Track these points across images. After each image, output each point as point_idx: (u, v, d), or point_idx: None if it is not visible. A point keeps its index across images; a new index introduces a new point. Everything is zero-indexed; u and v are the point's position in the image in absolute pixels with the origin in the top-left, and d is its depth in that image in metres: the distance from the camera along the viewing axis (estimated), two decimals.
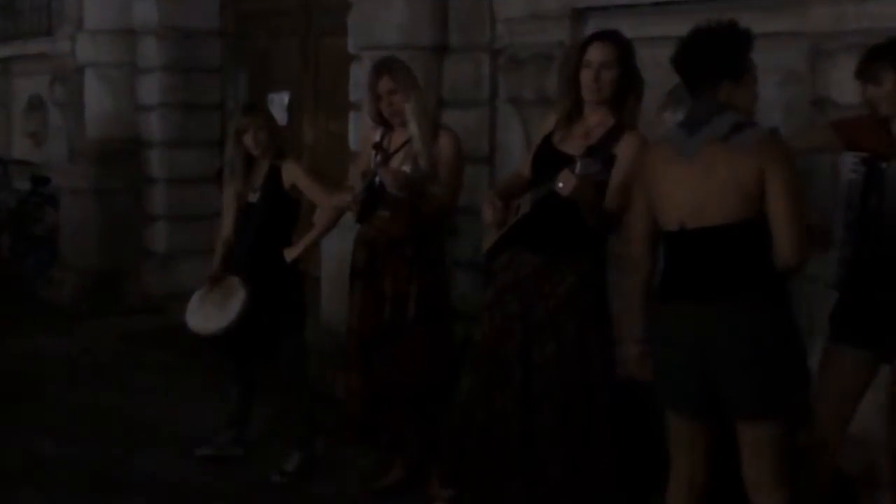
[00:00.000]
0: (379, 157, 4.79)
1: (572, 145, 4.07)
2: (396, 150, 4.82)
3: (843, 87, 4.55)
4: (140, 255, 9.13)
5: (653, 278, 3.55)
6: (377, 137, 4.91)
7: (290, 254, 5.19)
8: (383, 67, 4.87)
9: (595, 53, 4.06)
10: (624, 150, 3.94)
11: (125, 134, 9.10)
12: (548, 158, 4.13)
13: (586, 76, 4.02)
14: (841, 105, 4.60)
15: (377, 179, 4.63)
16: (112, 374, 7.01)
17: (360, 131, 5.33)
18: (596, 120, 4.10)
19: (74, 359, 7.41)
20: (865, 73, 3.79)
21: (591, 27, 5.76)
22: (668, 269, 3.46)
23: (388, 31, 6.47)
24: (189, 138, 9.00)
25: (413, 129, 4.73)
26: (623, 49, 4.12)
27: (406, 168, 4.70)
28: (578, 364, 4.03)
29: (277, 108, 8.06)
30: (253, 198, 5.33)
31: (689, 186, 3.27)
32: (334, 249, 6.18)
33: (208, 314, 5.30)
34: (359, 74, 6.45)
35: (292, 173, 5.29)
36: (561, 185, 3.75)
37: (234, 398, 5.55)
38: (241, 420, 5.54)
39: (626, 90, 4.07)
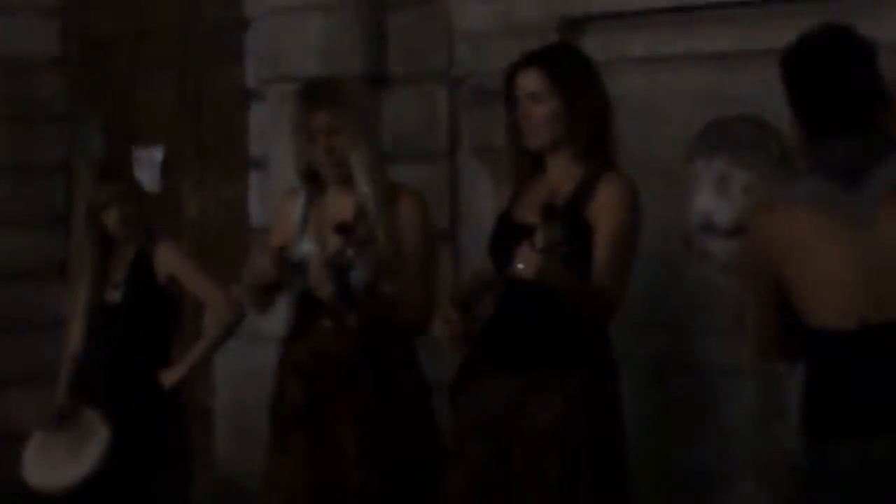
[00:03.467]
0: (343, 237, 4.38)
1: (532, 212, 3.92)
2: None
3: None
4: None
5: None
6: (300, 204, 4.64)
7: (169, 377, 5.05)
8: (321, 95, 4.64)
9: (520, 84, 4.03)
10: (603, 202, 3.90)
11: None
12: (508, 238, 3.97)
13: (519, 115, 4.05)
14: None
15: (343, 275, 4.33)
16: None
17: (269, 198, 5.11)
18: (559, 173, 4.04)
19: None
20: None
21: (589, 44, 5.62)
22: (834, 389, 3.11)
23: (303, 56, 6.41)
24: (20, 215, 8.53)
25: (365, 188, 4.47)
26: (561, 68, 4.05)
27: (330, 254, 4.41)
28: None
29: (147, 170, 7.75)
30: (113, 297, 5.21)
31: (869, 264, 2.97)
32: (234, 369, 6.21)
33: (55, 463, 5.16)
34: (262, 118, 6.57)
35: (169, 261, 5.20)
36: (521, 265, 3.65)
37: None
38: None
39: (581, 124, 3.99)
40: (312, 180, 4.57)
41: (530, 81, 3.98)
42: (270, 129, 5.33)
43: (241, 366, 5.83)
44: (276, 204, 4.99)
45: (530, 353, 3.94)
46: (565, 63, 4.08)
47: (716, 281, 5.24)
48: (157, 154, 7.84)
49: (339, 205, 4.51)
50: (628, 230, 3.94)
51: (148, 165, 7.80)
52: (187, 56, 7.89)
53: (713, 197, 5.30)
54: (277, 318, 4.83)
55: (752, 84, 4.77)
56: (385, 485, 4.44)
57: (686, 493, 5.69)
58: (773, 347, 3.30)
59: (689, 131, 5.35)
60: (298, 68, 6.23)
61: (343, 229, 4.03)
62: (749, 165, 5.17)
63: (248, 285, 4.65)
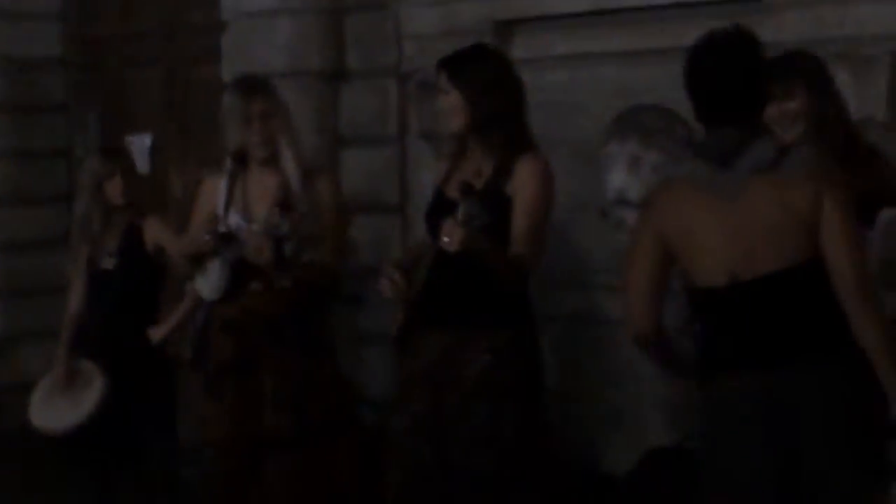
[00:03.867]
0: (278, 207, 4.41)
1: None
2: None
3: None
4: None
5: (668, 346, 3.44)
6: (223, 184, 4.65)
7: (157, 333, 5.04)
8: (256, 84, 4.72)
9: (440, 79, 4.06)
10: (520, 180, 3.92)
11: None
12: (440, 208, 4.01)
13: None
14: None
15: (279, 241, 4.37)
16: None
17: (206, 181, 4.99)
18: (481, 155, 4.05)
19: None
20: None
21: (518, 43, 5.91)
22: (715, 336, 3.28)
23: (272, 54, 6.42)
24: (28, 193, 8.47)
25: (289, 166, 4.54)
26: (462, 68, 4.06)
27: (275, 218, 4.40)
28: (497, 456, 3.96)
29: (138, 154, 7.59)
30: (108, 264, 5.20)
31: (736, 230, 3.14)
32: None
33: (57, 408, 5.21)
34: None
35: (156, 232, 5.18)
36: (446, 239, 3.66)
37: None
38: None
39: (502, 109, 4.00)
40: (240, 161, 4.58)
41: (440, 79, 4.04)
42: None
43: None
44: (197, 186, 5.03)
45: (459, 313, 3.96)
46: (467, 64, 4.08)
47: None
48: (146, 140, 7.80)
49: (264, 183, 4.55)
50: (541, 204, 3.95)
51: (138, 151, 7.68)
52: (173, 55, 7.85)
53: (626, 175, 5.38)
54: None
55: (659, 78, 4.79)
56: (299, 426, 4.48)
57: (603, 430, 5.76)
58: (643, 303, 3.32)
59: (605, 119, 5.47)
60: (266, 64, 6.19)
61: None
62: (657, 148, 5.23)
63: (182, 255, 4.71)
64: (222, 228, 4.51)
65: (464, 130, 4.02)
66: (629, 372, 5.36)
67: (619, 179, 5.44)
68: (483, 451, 3.93)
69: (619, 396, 5.66)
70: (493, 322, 3.97)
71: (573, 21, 5.64)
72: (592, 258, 5.74)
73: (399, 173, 6.37)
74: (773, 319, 3.15)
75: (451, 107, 4.00)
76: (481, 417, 3.94)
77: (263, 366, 4.53)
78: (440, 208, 3.99)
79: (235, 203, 4.59)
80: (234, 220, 4.55)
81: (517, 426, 3.97)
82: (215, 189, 4.68)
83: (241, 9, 6.58)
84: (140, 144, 7.77)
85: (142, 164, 7.51)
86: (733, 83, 3.21)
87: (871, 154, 3.97)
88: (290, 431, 4.48)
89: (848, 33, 4.82)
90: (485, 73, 4.03)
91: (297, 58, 6.39)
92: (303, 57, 6.40)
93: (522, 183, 3.90)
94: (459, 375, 3.98)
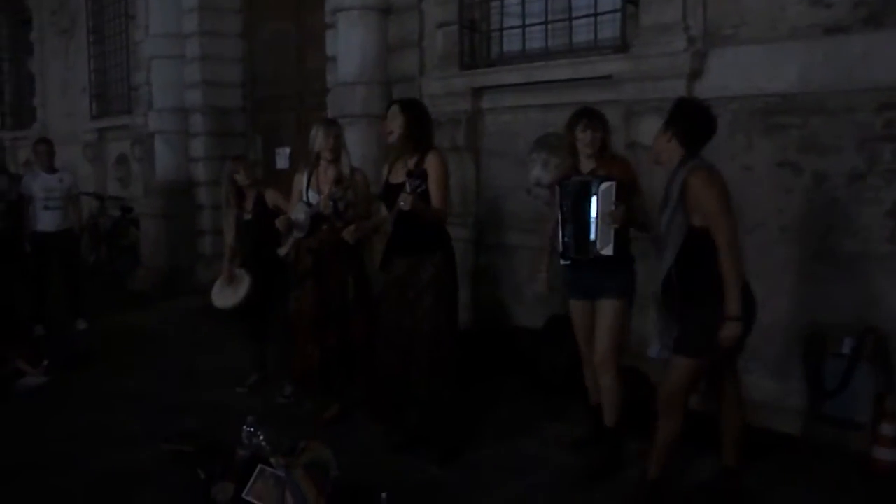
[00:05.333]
0: (335, 189, 4.33)
1: (399, 176, 3.92)
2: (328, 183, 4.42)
3: (646, 134, 4.54)
4: (194, 257, 8.90)
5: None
6: (305, 175, 4.50)
7: (282, 251, 4.74)
8: (333, 122, 4.69)
9: (389, 112, 3.97)
10: (430, 165, 3.85)
11: (182, 177, 8.89)
12: (389, 192, 3.95)
13: (384, 128, 3.96)
14: (645, 146, 4.57)
15: (336, 203, 4.29)
16: (178, 336, 6.85)
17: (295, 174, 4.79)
18: (409, 155, 3.95)
19: (153, 327, 7.24)
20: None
21: (486, 99, 5.81)
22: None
23: (353, 105, 6.40)
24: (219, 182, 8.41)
25: (344, 163, 4.45)
26: (409, 107, 3.97)
27: (328, 193, 4.33)
28: (435, 321, 3.93)
29: (282, 159, 7.92)
30: (248, 216, 5.10)
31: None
32: None
33: (226, 294, 5.10)
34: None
35: (273, 197, 5.06)
36: (402, 203, 3.66)
37: (255, 350, 5.36)
38: (262, 365, 5.34)
39: (421, 130, 3.93)
40: (317, 160, 4.47)
41: (393, 111, 3.94)
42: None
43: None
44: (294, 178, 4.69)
45: (414, 245, 3.92)
46: (410, 103, 4.03)
47: (541, 209, 5.14)
48: (287, 151, 7.92)
49: (329, 173, 4.44)
50: (443, 178, 3.86)
51: (282, 157, 7.96)
52: (302, 105, 7.86)
53: (541, 170, 5.47)
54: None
55: (561, 119, 4.15)
56: (347, 302, 4.44)
57: (488, 312, 5.68)
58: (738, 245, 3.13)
59: (531, 141, 5.52)
60: (350, 110, 6.20)
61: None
62: (557, 155, 5.20)
63: (286, 220, 4.50)
64: (305, 199, 4.48)
65: (402, 141, 3.91)
66: (526, 271, 5.24)
67: (536, 172, 5.50)
68: (430, 319, 3.92)
69: (507, 298, 5.63)
70: (433, 249, 3.94)
71: (516, 87, 5.55)
72: (520, 216, 5.65)
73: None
74: None
75: (398, 125, 3.90)
76: (429, 303, 3.92)
77: (328, 270, 4.46)
78: (388, 190, 3.96)
79: (313, 185, 4.49)
80: (312, 195, 4.46)
81: (447, 310, 3.97)
82: (301, 178, 4.57)
83: (337, 81, 6.60)
84: (283, 153, 7.98)
85: (283, 163, 7.87)
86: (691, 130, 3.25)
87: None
88: (339, 305, 4.46)
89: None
90: (417, 110, 3.99)
91: (367, 107, 6.33)
92: (370, 107, 6.32)
93: (431, 166, 3.85)
94: (416, 280, 3.94)
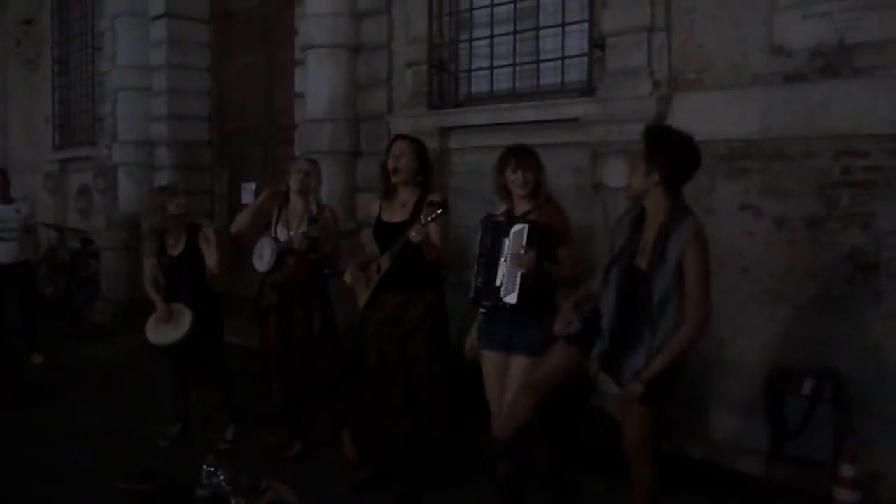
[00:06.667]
0: (300, 228, 4.33)
1: (395, 215, 3.85)
2: (296, 218, 4.40)
3: (612, 176, 4.65)
4: None
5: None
6: (276, 209, 4.43)
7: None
8: (303, 159, 4.65)
9: (394, 148, 3.89)
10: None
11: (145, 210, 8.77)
12: (383, 230, 3.88)
13: (390, 163, 3.85)
14: (611, 187, 4.65)
15: (310, 235, 4.25)
16: (136, 370, 6.71)
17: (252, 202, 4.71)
18: (407, 194, 3.88)
19: (111, 361, 7.17)
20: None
21: (453, 139, 5.86)
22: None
23: (321, 141, 6.37)
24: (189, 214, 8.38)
25: (312, 200, 4.40)
26: (415, 144, 3.92)
27: (304, 231, 4.31)
28: (428, 360, 3.88)
29: (247, 193, 7.86)
30: (176, 252, 4.84)
31: None
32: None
33: (165, 331, 4.81)
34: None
35: (205, 234, 4.84)
36: (413, 234, 3.52)
37: (178, 397, 5.10)
38: (185, 413, 5.06)
39: (424, 171, 3.89)
40: (286, 196, 4.43)
41: (402, 147, 3.88)
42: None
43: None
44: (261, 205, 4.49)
45: (410, 282, 3.84)
46: (414, 142, 3.95)
47: None
48: (252, 186, 7.83)
49: (298, 208, 4.41)
50: (445, 219, 3.73)
51: (248, 191, 7.84)
52: (269, 140, 7.88)
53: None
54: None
55: None
56: (313, 336, 4.35)
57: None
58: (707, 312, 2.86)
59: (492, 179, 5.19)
60: (318, 147, 6.15)
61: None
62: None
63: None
64: (273, 234, 4.42)
65: (409, 175, 3.84)
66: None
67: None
68: (420, 358, 3.87)
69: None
70: (424, 288, 3.88)
71: (482, 128, 5.57)
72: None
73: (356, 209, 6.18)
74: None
75: (406, 163, 3.85)
76: (420, 342, 3.87)
77: (293, 305, 4.36)
78: (382, 229, 3.89)
79: (283, 221, 4.43)
80: (282, 231, 4.42)
81: (438, 344, 3.92)
82: (273, 211, 4.46)
83: (305, 118, 6.55)
84: (249, 188, 7.91)
85: (248, 198, 7.68)
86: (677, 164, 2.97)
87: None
88: (304, 340, 4.38)
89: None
90: (419, 148, 3.95)
91: (335, 144, 6.32)
92: (337, 144, 6.33)
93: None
94: (407, 319, 3.87)
